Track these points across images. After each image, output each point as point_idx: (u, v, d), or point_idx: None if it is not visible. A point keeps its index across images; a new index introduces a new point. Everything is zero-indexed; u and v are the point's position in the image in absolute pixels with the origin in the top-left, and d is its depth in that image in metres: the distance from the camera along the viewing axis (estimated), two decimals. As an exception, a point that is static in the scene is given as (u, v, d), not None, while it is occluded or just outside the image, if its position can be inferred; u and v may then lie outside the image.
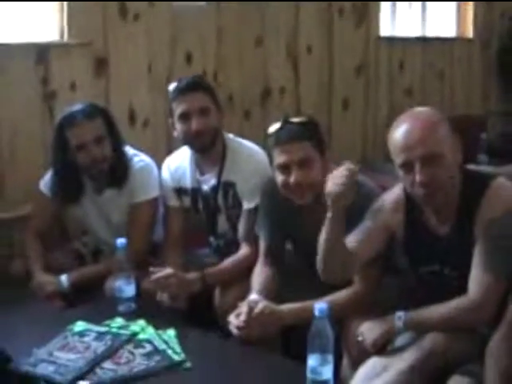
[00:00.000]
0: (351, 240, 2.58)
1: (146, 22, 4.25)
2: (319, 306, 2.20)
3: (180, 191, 3.42)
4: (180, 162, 3.43)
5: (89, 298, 3.13)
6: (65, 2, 3.95)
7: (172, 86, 3.29)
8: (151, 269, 2.98)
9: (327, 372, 2.20)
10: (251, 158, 3.22)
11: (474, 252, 2.43)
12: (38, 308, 3.04)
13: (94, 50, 4.05)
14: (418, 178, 2.38)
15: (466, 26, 6.71)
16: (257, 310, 2.65)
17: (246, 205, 3.21)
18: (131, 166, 3.37)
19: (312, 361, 2.19)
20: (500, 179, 2.51)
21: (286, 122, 2.83)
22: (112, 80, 4.12)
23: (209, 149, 3.27)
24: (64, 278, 3.21)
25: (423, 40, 6.29)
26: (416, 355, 2.39)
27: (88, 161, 3.26)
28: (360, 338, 2.55)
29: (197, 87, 3.24)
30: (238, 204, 3.27)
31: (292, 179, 2.76)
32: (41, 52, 3.85)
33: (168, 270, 2.97)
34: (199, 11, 4.51)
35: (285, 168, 2.78)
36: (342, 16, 5.39)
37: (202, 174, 3.35)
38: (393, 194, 2.65)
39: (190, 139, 3.25)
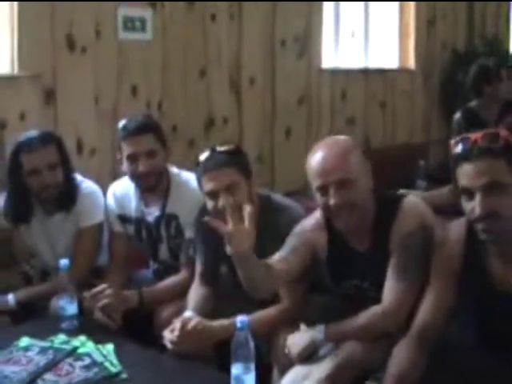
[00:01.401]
0: (277, 258, 2.81)
1: (92, 55, 4.48)
2: (240, 318, 2.41)
3: (124, 219, 3.62)
4: (125, 191, 3.62)
5: (34, 317, 3.32)
6: (15, 33, 4.15)
7: (121, 125, 3.46)
8: (94, 290, 3.19)
9: (250, 380, 2.40)
10: (194, 191, 3.33)
11: (389, 264, 2.68)
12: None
13: (43, 82, 4.26)
14: (332, 201, 2.63)
15: (408, 57, 7.03)
16: (190, 325, 2.86)
17: (188, 234, 3.42)
18: (79, 192, 3.56)
19: (235, 369, 2.39)
20: (410, 197, 2.80)
21: (213, 150, 3.02)
22: (60, 110, 4.33)
23: (154, 188, 3.47)
24: (11, 296, 3.41)
25: (365, 71, 6.59)
26: (333, 364, 2.63)
27: (40, 185, 3.44)
28: (286, 351, 2.78)
29: (145, 130, 3.40)
30: (180, 234, 3.49)
31: (220, 204, 2.94)
32: None
33: (104, 285, 3.18)
34: (145, 44, 4.75)
35: (213, 194, 2.97)
36: (284, 48, 5.67)
37: (147, 206, 3.56)
38: (314, 217, 2.89)
39: (136, 179, 3.46)
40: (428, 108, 7.17)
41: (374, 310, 2.69)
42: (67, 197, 3.51)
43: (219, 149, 3.03)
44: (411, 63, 7.05)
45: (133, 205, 3.59)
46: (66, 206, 3.54)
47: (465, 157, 2.29)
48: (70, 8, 4.34)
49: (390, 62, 7.04)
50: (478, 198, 2.26)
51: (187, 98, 5.00)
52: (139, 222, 3.59)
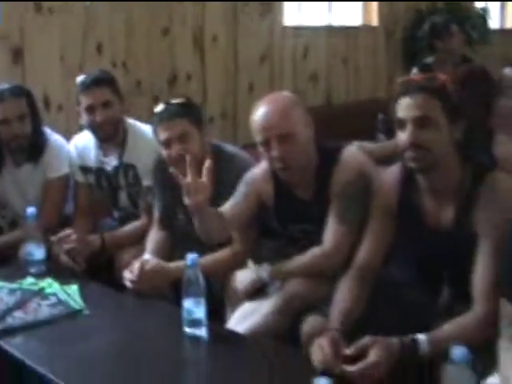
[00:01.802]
0: (229, 205, 3.05)
1: (59, 16, 4.64)
2: (190, 256, 2.60)
3: (85, 169, 3.84)
4: (85, 143, 3.84)
5: (4, 263, 3.53)
6: None
7: (79, 79, 3.68)
8: (61, 233, 3.42)
9: (200, 312, 2.59)
10: (150, 141, 3.55)
11: (330, 210, 2.91)
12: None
13: (11, 41, 4.43)
14: (273, 153, 2.85)
15: (372, 15, 7.20)
16: (148, 266, 3.09)
17: (146, 182, 3.66)
18: (48, 144, 3.79)
19: (187, 303, 2.58)
20: (349, 148, 3.02)
21: (167, 103, 3.27)
22: (28, 69, 4.51)
23: (111, 137, 3.70)
24: None
25: (328, 28, 6.74)
26: (279, 299, 2.88)
27: (9, 135, 3.67)
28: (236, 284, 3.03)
29: (100, 82, 3.63)
30: (138, 182, 3.72)
31: (173, 153, 3.19)
32: None
33: (69, 230, 3.42)
34: (109, 4, 4.92)
35: (167, 143, 3.21)
36: (247, 6, 5.83)
37: (105, 155, 3.78)
38: (262, 167, 3.11)
39: (94, 129, 3.67)
40: (390, 64, 7.32)
41: (315, 251, 2.93)
42: (35, 148, 3.73)
43: (173, 101, 3.27)
44: (374, 20, 7.21)
45: (92, 156, 3.81)
46: (34, 157, 3.75)
47: (403, 92, 2.49)
48: (36, -30, 4.48)
49: (354, 19, 7.19)
50: (408, 128, 2.46)
51: (151, 55, 5.18)
52: (99, 171, 3.81)
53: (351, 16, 7.19)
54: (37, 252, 3.31)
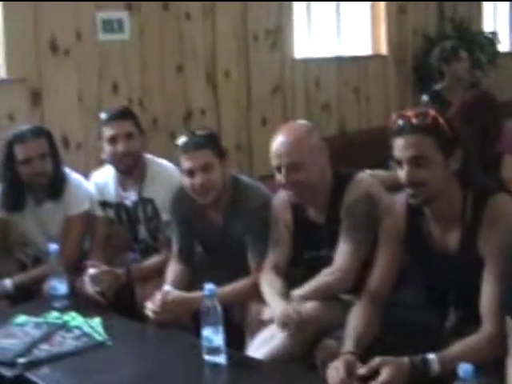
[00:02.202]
0: (272, 257, 3.21)
1: (75, 57, 4.78)
2: (208, 287, 2.68)
3: (105, 204, 3.94)
4: (105, 179, 3.95)
5: (30, 298, 3.66)
6: (1, 40, 4.44)
7: (103, 114, 3.82)
8: (88, 262, 3.59)
9: (219, 340, 2.67)
10: (168, 176, 3.73)
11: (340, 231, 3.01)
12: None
13: (30, 84, 4.56)
14: (283, 180, 3.00)
15: (381, 43, 7.31)
16: (169, 297, 3.19)
17: (165, 216, 3.75)
18: (67, 182, 3.90)
19: (206, 332, 2.67)
20: (361, 174, 3.13)
21: (191, 134, 3.40)
22: (46, 110, 4.64)
23: (131, 170, 3.80)
24: (8, 281, 3.74)
25: (338, 59, 6.86)
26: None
27: (31, 174, 3.78)
28: (266, 317, 3.07)
29: (123, 115, 3.79)
30: (157, 216, 3.82)
31: (196, 182, 3.31)
32: None
33: (103, 266, 3.54)
34: (123, 44, 5.05)
35: (190, 173, 3.32)
36: (256, 41, 5.97)
37: (125, 190, 3.89)
38: (280, 197, 3.23)
39: (115, 160, 3.78)
40: (402, 92, 7.43)
41: (325, 271, 3.02)
42: (56, 186, 3.84)
43: (197, 132, 3.40)
44: (383, 49, 7.32)
45: (112, 190, 3.92)
46: (54, 194, 3.86)
47: (398, 132, 2.59)
48: (52, 14, 4.65)
49: (363, 49, 7.29)
50: (405, 168, 2.55)
51: (166, 92, 5.31)
52: (118, 206, 3.92)
53: (360, 46, 7.29)
54: (60, 287, 3.41)
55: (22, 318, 3.23)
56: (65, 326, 3.13)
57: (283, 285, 3.13)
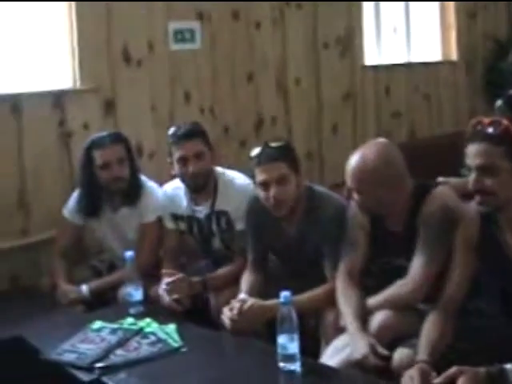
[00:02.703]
0: (348, 262, 3.19)
1: (147, 66, 4.82)
2: (284, 294, 2.68)
3: (176, 217, 3.96)
4: (176, 192, 3.96)
5: (105, 304, 3.73)
6: (76, 51, 4.50)
7: (171, 131, 3.82)
8: (164, 271, 3.63)
9: (294, 348, 2.67)
10: (240, 187, 3.75)
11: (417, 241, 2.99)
12: (63, 313, 3.63)
13: (103, 94, 4.61)
14: (353, 203, 3.10)
15: (451, 49, 7.22)
16: (247, 305, 3.18)
17: (239, 226, 3.76)
18: (144, 189, 3.96)
19: (281, 339, 2.67)
20: (441, 187, 3.10)
21: (266, 146, 3.38)
22: (120, 119, 4.68)
23: (202, 187, 3.82)
24: (84, 287, 3.81)
25: (408, 65, 6.81)
26: (370, 332, 2.93)
27: (109, 178, 3.86)
28: (342, 324, 3.07)
29: (193, 134, 3.76)
30: (231, 227, 3.83)
31: (271, 194, 3.30)
32: (57, 98, 4.42)
33: (180, 274, 3.57)
34: (195, 53, 5.08)
35: (265, 185, 3.32)
36: (327, 48, 5.95)
37: (197, 204, 3.90)
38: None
39: (186, 180, 3.80)
40: (472, 98, 7.32)
41: (399, 283, 3.00)
42: (132, 192, 3.90)
43: (272, 144, 3.38)
44: (453, 55, 7.24)
45: (184, 204, 3.93)
46: (131, 200, 3.93)
47: (471, 138, 2.60)
48: (124, 25, 4.70)
49: (433, 55, 7.22)
50: (472, 175, 2.57)
51: (237, 101, 5.32)
52: (190, 219, 3.93)
53: (430, 51, 7.22)
54: (135, 293, 3.46)
55: (98, 324, 3.29)
56: (140, 332, 3.18)
57: (358, 295, 3.11)
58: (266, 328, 3.29)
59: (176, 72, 4.99)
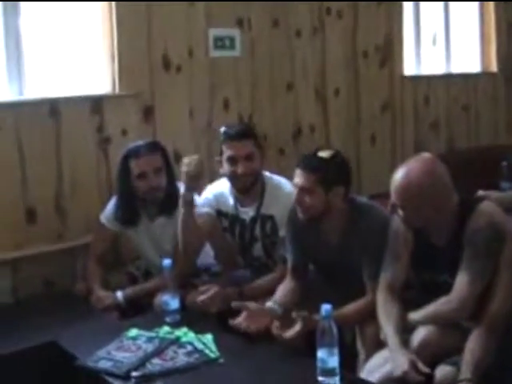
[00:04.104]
0: (389, 276, 3.12)
1: (187, 73, 4.78)
2: (325, 307, 2.64)
3: (220, 213, 3.91)
4: (221, 190, 3.93)
5: (139, 311, 3.66)
6: (115, 56, 4.48)
7: (223, 130, 3.79)
8: (200, 288, 3.53)
9: (333, 362, 2.62)
10: (287, 193, 3.66)
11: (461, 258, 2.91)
12: (98, 320, 3.58)
13: (142, 100, 4.58)
14: (396, 218, 3.04)
15: (490, 60, 7.15)
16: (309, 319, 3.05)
17: (282, 233, 3.68)
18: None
19: (321, 353, 2.62)
20: (486, 202, 3.01)
21: (314, 153, 3.32)
22: (158, 126, 4.64)
23: (250, 189, 3.77)
24: (119, 293, 3.77)
25: (447, 76, 6.75)
26: (411, 348, 2.87)
27: (146, 188, 3.80)
28: (382, 337, 3.00)
29: (245, 135, 3.73)
30: (275, 233, 3.77)
31: (296, 198, 3.29)
32: (96, 103, 4.40)
33: (212, 291, 3.47)
34: (234, 60, 5.05)
35: (296, 187, 3.30)
36: (366, 58, 5.90)
37: (242, 206, 3.85)
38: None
39: (234, 179, 3.76)
40: (511, 110, 7.24)
41: (442, 300, 2.92)
42: (169, 201, 3.83)
43: (318, 153, 3.32)
44: (493, 66, 7.16)
45: (229, 203, 3.89)
46: (168, 210, 3.86)
47: None
48: (165, 31, 4.66)
49: (472, 66, 7.15)
50: None
51: (276, 109, 5.26)
52: (234, 218, 3.88)
53: (469, 63, 7.15)
54: (172, 302, 3.40)
55: (134, 332, 3.25)
56: (177, 342, 3.13)
57: (399, 309, 3.04)
58: (304, 340, 3.19)
59: (215, 79, 4.95)
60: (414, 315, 2.99)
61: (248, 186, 3.76)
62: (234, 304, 3.24)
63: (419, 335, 2.91)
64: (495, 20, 7.10)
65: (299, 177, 3.29)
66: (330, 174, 3.28)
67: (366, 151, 5.92)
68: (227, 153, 3.72)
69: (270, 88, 5.26)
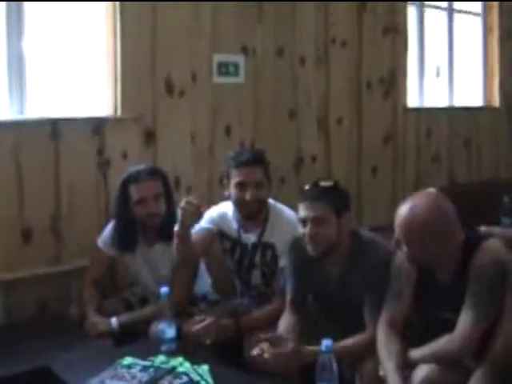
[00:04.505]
0: (391, 311, 3.08)
1: (189, 98, 4.75)
2: (325, 342, 2.60)
3: (223, 234, 3.86)
4: (223, 212, 3.88)
5: (136, 340, 3.59)
6: (118, 80, 4.44)
7: (234, 153, 3.76)
8: (196, 318, 3.47)
9: None
10: (290, 222, 3.64)
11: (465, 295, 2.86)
12: (91, 346, 3.51)
13: (144, 124, 4.53)
14: (400, 254, 2.99)
15: (493, 95, 7.14)
16: (289, 347, 3.06)
17: (282, 263, 3.64)
18: None
19: None
20: (492, 239, 2.96)
21: (314, 183, 3.30)
22: (159, 150, 4.60)
23: (254, 216, 3.73)
24: (114, 320, 3.70)
25: (450, 109, 6.73)
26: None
27: (145, 214, 3.76)
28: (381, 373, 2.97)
29: (256, 162, 3.70)
30: (274, 262, 3.72)
31: (306, 232, 3.23)
32: (97, 125, 4.35)
33: (207, 321, 3.41)
34: (238, 87, 5.01)
35: (303, 221, 3.24)
36: (370, 89, 5.87)
37: (245, 231, 3.81)
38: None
39: (241, 205, 3.70)
40: (512, 145, 7.22)
41: (445, 338, 2.87)
42: (168, 227, 3.74)
43: (320, 183, 3.30)
44: (496, 101, 7.15)
45: (233, 226, 3.84)
46: (166, 236, 3.79)
47: None
48: (169, 56, 4.63)
49: (475, 100, 7.15)
50: None
51: (278, 137, 5.22)
52: (236, 241, 3.84)
53: (472, 97, 7.15)
54: (168, 330, 3.32)
55: (128, 360, 3.16)
56: (172, 371, 3.04)
57: (400, 346, 2.99)
58: (300, 373, 3.19)
59: (218, 105, 4.91)
60: (416, 353, 2.95)
61: (253, 214, 3.72)
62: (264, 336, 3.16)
63: (421, 373, 2.86)
64: (499, 55, 7.11)
65: (309, 209, 3.23)
66: (339, 200, 3.29)
67: (367, 182, 5.88)
68: (236, 179, 3.67)
69: (272, 116, 5.23)
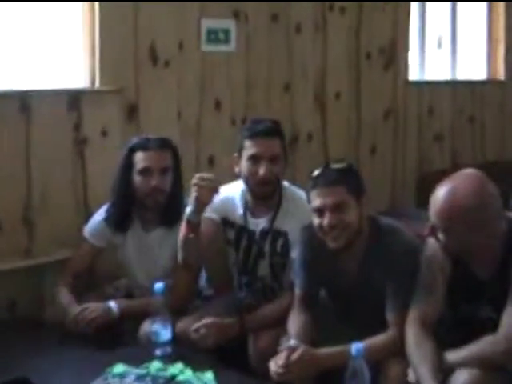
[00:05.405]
0: (423, 306, 2.89)
1: (175, 68, 4.57)
2: (356, 345, 2.45)
3: (226, 222, 3.59)
4: (232, 195, 3.59)
5: (120, 341, 3.39)
6: (96, 48, 4.24)
7: (249, 124, 3.56)
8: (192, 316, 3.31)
9: None
10: (305, 207, 3.29)
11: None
12: (74, 351, 3.26)
13: (125, 97, 4.35)
14: (436, 243, 2.81)
15: (498, 67, 6.99)
16: (296, 354, 2.87)
17: (294, 253, 3.38)
18: (184, 209, 3.51)
19: None
20: None
21: (326, 167, 3.09)
22: (142, 126, 4.41)
23: (268, 196, 3.48)
24: (113, 304, 3.47)
25: (453, 83, 6.60)
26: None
27: (148, 188, 3.54)
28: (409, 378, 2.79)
29: (273, 133, 3.45)
30: (285, 253, 3.48)
31: (325, 222, 3.00)
32: (73, 98, 4.15)
33: (206, 320, 3.23)
34: (228, 56, 4.84)
35: (320, 211, 3.02)
36: (369, 60, 5.71)
37: (254, 216, 3.54)
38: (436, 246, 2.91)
39: (253, 183, 3.44)
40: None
41: (488, 339, 2.70)
42: (171, 211, 3.57)
43: (332, 166, 3.09)
44: (501, 74, 7.00)
45: (238, 211, 3.58)
46: (167, 221, 3.60)
47: None
48: (153, 21, 4.45)
49: (478, 72, 7.01)
50: None
51: (271, 112, 4.97)
52: (242, 229, 3.57)
53: (475, 68, 7.01)
54: (163, 332, 3.14)
55: (120, 368, 2.96)
56: (172, 380, 2.86)
57: (434, 348, 2.81)
58: (316, 380, 3.01)
59: (207, 76, 4.75)
60: (453, 356, 2.76)
61: (267, 194, 3.47)
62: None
63: (461, 378, 2.68)
64: (504, 24, 6.92)
65: (326, 196, 3.02)
66: (355, 182, 3.11)
67: (366, 162, 5.72)
68: (250, 150, 3.41)
69: (266, 89, 5.07)
